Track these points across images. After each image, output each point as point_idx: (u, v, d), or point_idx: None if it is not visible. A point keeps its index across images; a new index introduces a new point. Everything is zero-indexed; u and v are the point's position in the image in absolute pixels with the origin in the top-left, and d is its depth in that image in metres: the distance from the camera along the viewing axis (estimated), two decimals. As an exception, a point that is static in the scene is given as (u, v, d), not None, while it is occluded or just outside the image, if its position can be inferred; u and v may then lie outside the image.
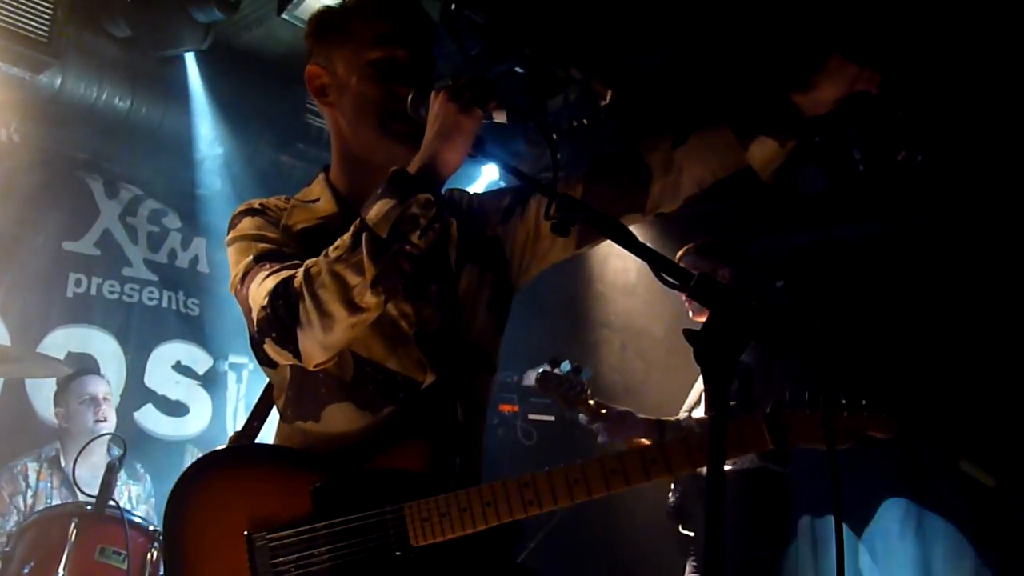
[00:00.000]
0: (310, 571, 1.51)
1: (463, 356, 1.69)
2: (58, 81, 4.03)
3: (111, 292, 4.85)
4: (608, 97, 4.68)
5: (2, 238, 4.36)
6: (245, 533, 1.53)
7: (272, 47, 4.47)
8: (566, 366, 3.26)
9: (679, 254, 3.66)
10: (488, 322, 1.75)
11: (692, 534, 3.60)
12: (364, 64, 1.66)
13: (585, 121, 4.75)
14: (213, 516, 1.57)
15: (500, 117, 1.54)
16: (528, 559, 3.96)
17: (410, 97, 1.59)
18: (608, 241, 1.39)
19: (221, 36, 4.14)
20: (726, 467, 3.37)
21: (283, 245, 1.62)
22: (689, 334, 1.18)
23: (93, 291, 4.78)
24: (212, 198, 5.20)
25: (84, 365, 4.47)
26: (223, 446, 1.77)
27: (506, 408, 5.51)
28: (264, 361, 1.67)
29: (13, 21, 3.55)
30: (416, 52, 1.68)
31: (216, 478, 1.63)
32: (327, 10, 1.76)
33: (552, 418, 5.54)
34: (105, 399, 4.00)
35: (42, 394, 4.37)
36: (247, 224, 1.66)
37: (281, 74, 4.63)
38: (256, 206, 1.70)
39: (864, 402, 1.65)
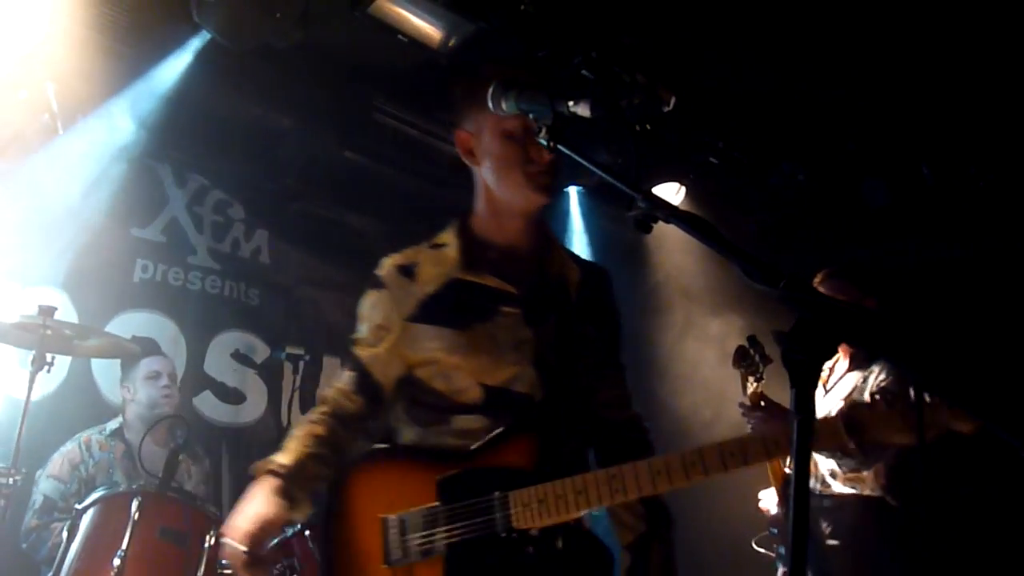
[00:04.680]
0: (431, 546, 1.78)
1: (570, 377, 1.95)
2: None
3: (175, 279, 4.95)
4: (672, 103, 4.65)
5: (73, 222, 4.47)
6: (380, 516, 1.82)
7: (341, 43, 4.52)
8: (760, 348, 3.37)
9: (820, 276, 3.60)
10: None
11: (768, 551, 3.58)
12: (504, 131, 1.94)
13: (648, 126, 4.73)
14: (358, 508, 1.87)
15: (583, 111, 1.55)
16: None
17: (491, 89, 1.72)
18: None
19: (294, 32, 4.19)
20: (847, 490, 3.35)
21: (367, 344, 2.02)
22: (778, 335, 1.16)
23: (158, 277, 4.88)
24: (276, 191, 5.28)
25: (148, 349, 4.56)
26: (377, 446, 2.02)
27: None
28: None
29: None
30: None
31: (363, 474, 1.92)
32: (474, 80, 1.97)
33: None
34: (170, 376, 4.10)
35: (107, 374, 4.48)
36: (366, 303, 2.04)
37: (349, 70, 4.68)
38: (390, 271, 2.02)
39: (947, 396, 1.60)
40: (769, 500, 3.62)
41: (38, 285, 4.40)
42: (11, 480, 3.23)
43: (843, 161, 4.94)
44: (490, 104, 1.72)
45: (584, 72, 4.29)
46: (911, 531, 3.25)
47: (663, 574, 1.97)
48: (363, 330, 2.04)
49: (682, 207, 3.02)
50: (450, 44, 4.10)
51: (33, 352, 3.40)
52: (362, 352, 2.03)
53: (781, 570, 3.63)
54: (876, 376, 3.43)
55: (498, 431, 1.86)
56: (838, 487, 3.45)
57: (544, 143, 1.67)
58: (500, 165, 1.96)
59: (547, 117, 1.66)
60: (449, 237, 2.06)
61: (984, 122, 4.40)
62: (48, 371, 3.46)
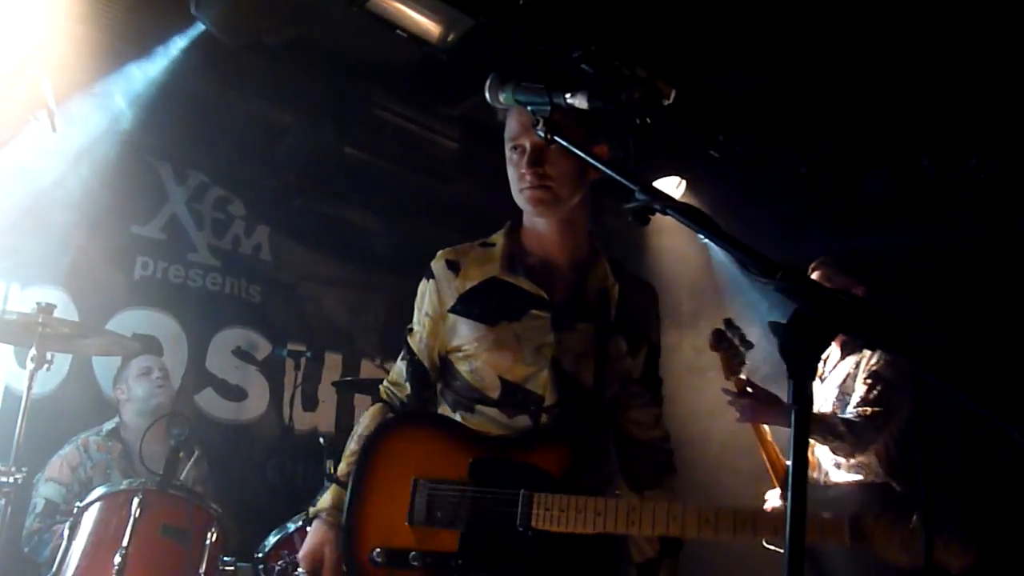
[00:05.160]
0: (454, 520, 1.90)
1: (595, 387, 2.04)
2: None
3: (176, 276, 4.94)
4: (672, 96, 4.64)
5: (72, 220, 4.47)
6: (413, 479, 1.93)
7: (339, 39, 4.51)
8: (738, 331, 3.36)
9: (814, 265, 3.61)
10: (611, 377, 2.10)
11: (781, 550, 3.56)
12: (508, 150, 2.04)
13: (648, 120, 4.72)
14: (392, 460, 1.99)
15: (581, 103, 1.54)
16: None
17: (488, 81, 1.74)
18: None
19: (292, 28, 4.18)
20: (851, 478, 3.33)
21: (416, 332, 2.18)
22: (775, 327, 1.15)
23: (159, 275, 4.88)
24: (277, 188, 5.28)
25: (148, 346, 4.57)
26: (416, 411, 2.20)
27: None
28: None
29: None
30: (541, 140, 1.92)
31: (401, 432, 2.06)
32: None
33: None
34: (161, 370, 4.11)
35: (108, 372, 4.48)
36: (420, 290, 2.18)
37: (348, 66, 4.67)
38: (439, 264, 2.15)
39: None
40: (775, 500, 3.62)
41: (38, 283, 4.41)
42: (12, 479, 3.23)
43: (843, 153, 4.93)
44: (487, 96, 1.72)
45: (583, 66, 4.28)
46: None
47: None
48: (415, 319, 2.20)
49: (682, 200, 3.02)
50: (449, 39, 4.08)
51: (32, 350, 3.39)
52: (412, 340, 2.19)
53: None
54: (868, 360, 3.43)
55: (536, 431, 2.00)
56: (841, 475, 3.44)
57: (541, 135, 1.67)
58: (510, 176, 2.06)
59: (545, 110, 1.65)
60: (498, 237, 2.16)
61: (985, 113, 4.38)
62: (48, 369, 3.45)
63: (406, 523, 1.91)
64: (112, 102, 4.32)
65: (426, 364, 2.17)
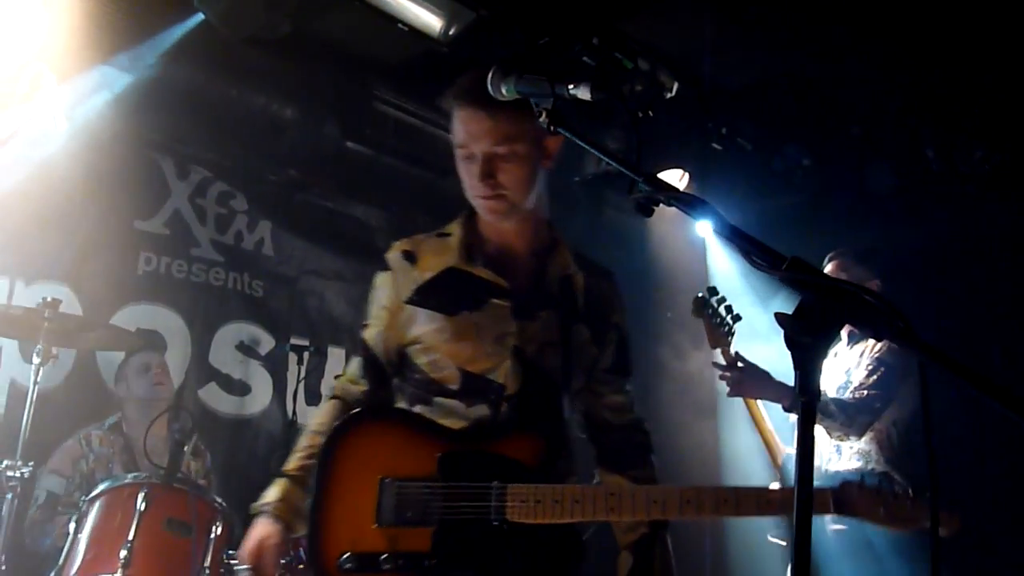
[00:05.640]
0: (425, 519, 1.82)
1: (551, 376, 2.00)
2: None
3: (179, 271, 4.94)
4: (674, 89, 4.63)
5: (76, 215, 4.48)
6: (380, 477, 1.85)
7: (341, 33, 4.50)
8: (723, 300, 3.28)
9: (830, 256, 3.59)
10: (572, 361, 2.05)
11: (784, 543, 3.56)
12: (457, 152, 1.99)
13: (651, 113, 4.71)
14: (356, 460, 1.89)
15: (584, 94, 1.53)
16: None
17: (490, 74, 1.69)
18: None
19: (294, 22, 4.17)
20: (852, 466, 3.31)
21: (372, 325, 2.12)
22: (780, 317, 1.15)
23: (162, 270, 4.88)
24: (279, 183, 5.27)
25: (152, 342, 4.58)
26: (376, 407, 2.11)
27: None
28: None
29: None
30: (489, 146, 1.92)
31: (364, 429, 1.95)
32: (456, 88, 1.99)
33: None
34: (159, 366, 4.13)
35: (112, 367, 4.49)
36: (376, 283, 2.13)
37: (349, 60, 4.67)
38: (396, 255, 2.10)
39: (927, 494, 1.74)
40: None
41: (42, 279, 4.41)
42: (18, 473, 3.24)
43: (847, 145, 4.91)
44: (489, 89, 1.70)
45: (585, 59, 4.28)
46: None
47: (666, 574, 2.05)
48: (370, 312, 2.14)
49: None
50: (450, 33, 4.08)
51: (39, 345, 3.41)
52: (368, 334, 2.14)
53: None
54: (872, 347, 3.43)
55: (505, 420, 1.93)
56: (842, 463, 3.44)
57: (544, 127, 1.66)
58: (461, 177, 2.01)
59: (547, 101, 1.64)
60: (455, 227, 2.11)
61: (990, 104, 4.36)
62: (53, 364, 3.47)
63: (374, 525, 1.83)
64: (115, 97, 4.31)
65: (383, 359, 2.12)
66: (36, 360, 3.41)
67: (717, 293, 3.31)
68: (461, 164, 1.99)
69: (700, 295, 3.33)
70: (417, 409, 2.02)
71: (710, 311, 3.28)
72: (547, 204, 2.10)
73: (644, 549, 2.04)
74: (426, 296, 2.03)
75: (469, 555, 1.83)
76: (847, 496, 1.86)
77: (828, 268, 3.56)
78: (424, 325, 2.02)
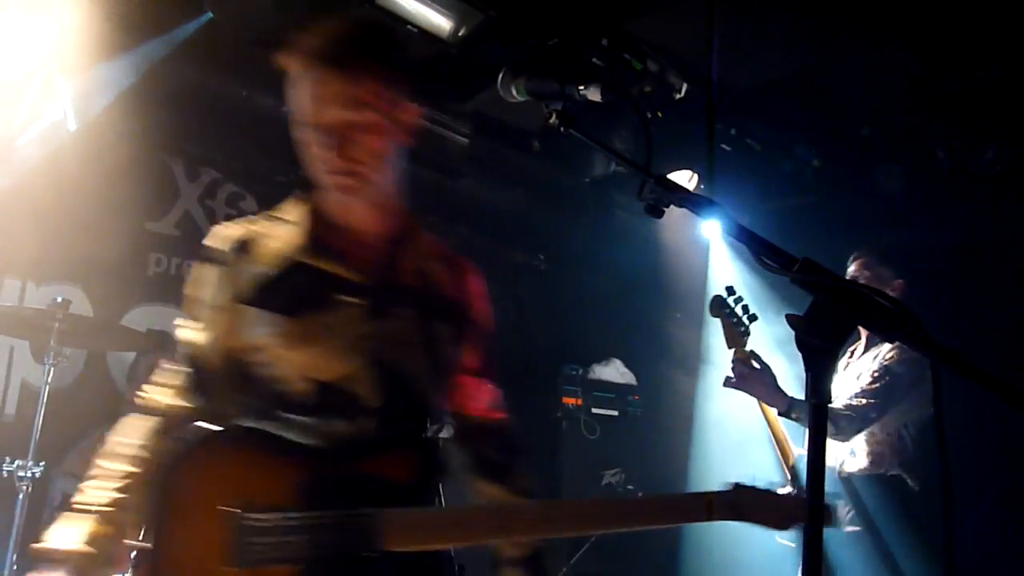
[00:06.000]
0: (283, 555, 1.55)
1: (414, 382, 1.77)
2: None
3: (189, 273, 4.95)
4: (683, 90, 4.63)
5: (87, 217, 4.49)
6: (231, 511, 1.56)
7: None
8: (740, 300, 3.29)
9: (854, 256, 3.58)
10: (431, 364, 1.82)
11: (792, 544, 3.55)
12: (299, 117, 1.77)
13: (660, 114, 4.71)
14: (201, 491, 1.59)
15: (594, 95, 1.54)
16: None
17: (500, 75, 1.66)
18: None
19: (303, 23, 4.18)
20: (865, 468, 3.29)
21: (195, 329, 1.80)
22: (792, 319, 1.15)
23: (172, 271, 4.90)
24: (289, 184, 5.27)
25: (162, 342, 4.59)
26: (216, 428, 1.72)
27: (570, 401, 5.50)
28: None
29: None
30: (342, 113, 1.72)
31: (204, 455, 1.63)
32: (300, 47, 1.77)
33: (615, 413, 5.53)
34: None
35: (123, 367, 4.51)
36: (196, 278, 1.82)
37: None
38: (224, 245, 1.80)
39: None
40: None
41: (53, 280, 4.43)
42: (29, 473, 3.26)
43: (857, 146, 4.90)
44: (500, 90, 1.69)
45: (595, 60, 4.27)
46: (932, 513, 3.19)
47: None
48: (193, 312, 1.82)
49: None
50: (459, 34, 4.08)
51: (50, 346, 3.43)
52: (192, 339, 1.81)
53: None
54: (884, 354, 3.42)
55: (369, 436, 1.69)
56: (856, 465, 3.43)
57: (555, 127, 1.65)
58: (306, 151, 1.79)
59: (557, 102, 1.64)
60: (293, 210, 1.86)
61: (1000, 104, 4.35)
62: (64, 365, 3.48)
63: (228, 568, 1.53)
64: (124, 97, 4.33)
65: (210, 368, 1.79)
66: (47, 361, 3.43)
67: (734, 292, 3.32)
68: (306, 135, 1.75)
69: (718, 295, 3.34)
70: (263, 425, 1.71)
71: (727, 310, 3.28)
72: (407, 193, 1.87)
73: (537, 564, 1.88)
74: (265, 294, 1.73)
75: None
76: (740, 503, 1.75)
77: (851, 268, 3.55)
78: (261, 328, 1.72)
